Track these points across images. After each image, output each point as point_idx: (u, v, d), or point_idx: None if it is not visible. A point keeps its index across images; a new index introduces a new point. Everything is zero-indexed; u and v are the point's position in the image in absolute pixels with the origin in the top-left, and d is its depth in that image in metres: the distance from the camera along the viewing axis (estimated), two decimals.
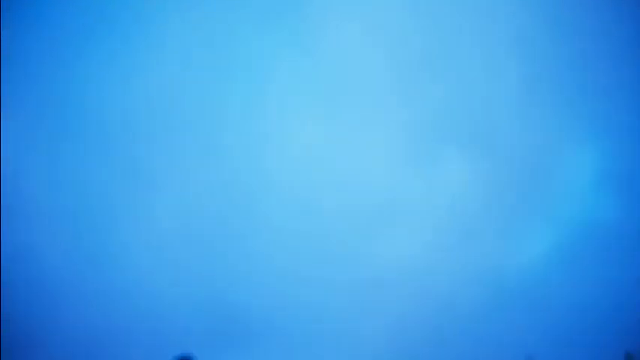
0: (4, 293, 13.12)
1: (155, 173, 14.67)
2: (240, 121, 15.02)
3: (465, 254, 15.72)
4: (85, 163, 15.28)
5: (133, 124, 14.32)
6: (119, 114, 14.19)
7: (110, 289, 14.50)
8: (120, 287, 14.57)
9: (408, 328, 13.73)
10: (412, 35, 14.23)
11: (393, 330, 13.83)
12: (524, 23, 13.80)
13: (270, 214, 16.68)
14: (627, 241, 13.13)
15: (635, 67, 12.98)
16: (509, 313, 14.37)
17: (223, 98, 14.96)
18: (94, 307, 14.59)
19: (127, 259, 14.97)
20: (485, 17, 13.90)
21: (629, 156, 13.45)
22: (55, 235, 15.30)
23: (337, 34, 14.47)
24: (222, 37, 14.63)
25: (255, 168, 16.08)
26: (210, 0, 14.25)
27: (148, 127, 14.55)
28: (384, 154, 15.33)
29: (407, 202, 16.28)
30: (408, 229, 15.88)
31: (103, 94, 14.04)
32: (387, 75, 14.92)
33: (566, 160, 15.14)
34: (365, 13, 14.25)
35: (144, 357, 15.02)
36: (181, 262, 15.54)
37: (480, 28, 14.02)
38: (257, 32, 15.01)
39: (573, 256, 14.83)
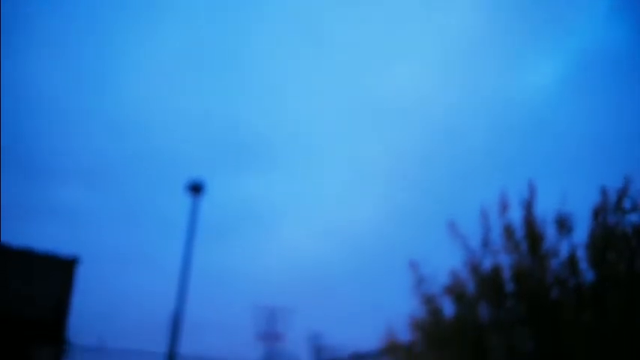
0: (5, 120, 12.99)
1: None
2: None
3: (473, 84, 15.67)
4: None
5: None
6: None
7: (120, 116, 14.40)
8: (129, 113, 14.47)
9: (408, 152, 13.94)
10: None
11: (394, 155, 14.09)
12: None
13: (281, 44, 16.23)
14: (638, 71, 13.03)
15: None
16: (517, 138, 14.60)
17: None
18: (104, 135, 14.59)
19: (136, 84, 14.69)
20: None
21: None
22: (58, 59, 14.86)
23: None
24: None
25: None
26: None
27: None
28: None
29: (417, 32, 15.81)
30: (417, 60, 15.56)
31: None
32: None
33: None
34: None
35: (157, 184, 15.39)
36: (193, 85, 15.32)
37: None
38: None
39: (582, 85, 14.80)
